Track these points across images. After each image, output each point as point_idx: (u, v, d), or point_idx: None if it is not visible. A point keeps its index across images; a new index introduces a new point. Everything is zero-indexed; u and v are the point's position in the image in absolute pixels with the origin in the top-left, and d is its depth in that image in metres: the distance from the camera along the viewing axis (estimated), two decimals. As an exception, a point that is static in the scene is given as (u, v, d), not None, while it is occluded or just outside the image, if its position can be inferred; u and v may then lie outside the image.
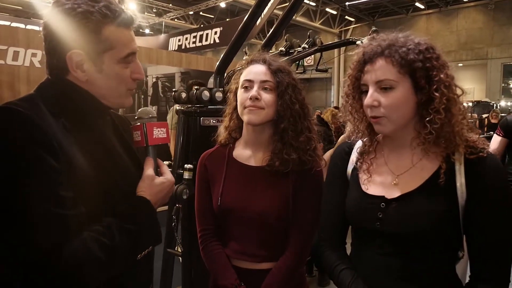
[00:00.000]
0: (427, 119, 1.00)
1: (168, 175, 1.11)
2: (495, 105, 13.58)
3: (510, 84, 16.83)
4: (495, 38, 16.40)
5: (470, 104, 12.70)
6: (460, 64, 15.83)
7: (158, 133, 1.11)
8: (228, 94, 1.50)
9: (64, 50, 0.94)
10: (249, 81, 1.33)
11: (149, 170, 1.08)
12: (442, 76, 1.00)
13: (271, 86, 1.32)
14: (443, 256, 1.04)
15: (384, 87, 1.01)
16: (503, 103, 15.36)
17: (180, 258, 2.30)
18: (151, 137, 1.09)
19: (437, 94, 0.99)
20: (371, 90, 1.03)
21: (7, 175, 0.81)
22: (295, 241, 1.32)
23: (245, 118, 1.32)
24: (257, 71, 1.33)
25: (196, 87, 2.76)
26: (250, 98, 1.29)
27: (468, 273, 1.04)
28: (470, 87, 15.74)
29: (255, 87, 1.31)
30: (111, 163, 1.02)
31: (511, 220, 0.98)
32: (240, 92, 1.35)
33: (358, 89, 1.09)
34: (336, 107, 6.61)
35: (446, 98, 0.99)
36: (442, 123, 0.99)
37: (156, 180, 1.07)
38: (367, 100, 1.04)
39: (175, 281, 2.42)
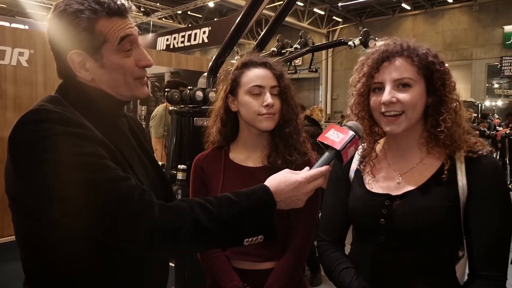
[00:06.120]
0: (441, 118, 1.05)
1: (312, 185, 0.98)
2: (479, 105, 13.79)
3: (494, 84, 17.12)
4: (480, 39, 16.69)
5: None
6: (446, 65, 15.97)
7: (350, 152, 1.01)
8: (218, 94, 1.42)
9: (65, 53, 0.94)
10: (260, 86, 1.28)
11: (303, 174, 0.98)
12: (452, 80, 1.07)
13: (278, 92, 1.31)
14: (445, 252, 1.06)
15: (402, 84, 1.04)
16: (487, 103, 15.64)
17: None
18: (345, 150, 0.99)
19: (450, 95, 1.06)
20: (388, 88, 1.05)
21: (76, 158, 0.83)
22: (296, 239, 1.32)
23: (261, 125, 1.28)
24: (265, 76, 1.30)
25: (167, 89, 2.67)
26: (267, 105, 1.26)
27: (467, 271, 1.06)
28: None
29: (268, 93, 1.28)
30: (135, 163, 1.03)
31: (507, 216, 1.01)
32: (249, 98, 1.29)
33: (368, 87, 1.11)
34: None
35: (456, 100, 1.07)
36: (452, 122, 1.05)
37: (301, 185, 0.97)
38: (385, 97, 1.05)
39: (168, 282, 2.39)
